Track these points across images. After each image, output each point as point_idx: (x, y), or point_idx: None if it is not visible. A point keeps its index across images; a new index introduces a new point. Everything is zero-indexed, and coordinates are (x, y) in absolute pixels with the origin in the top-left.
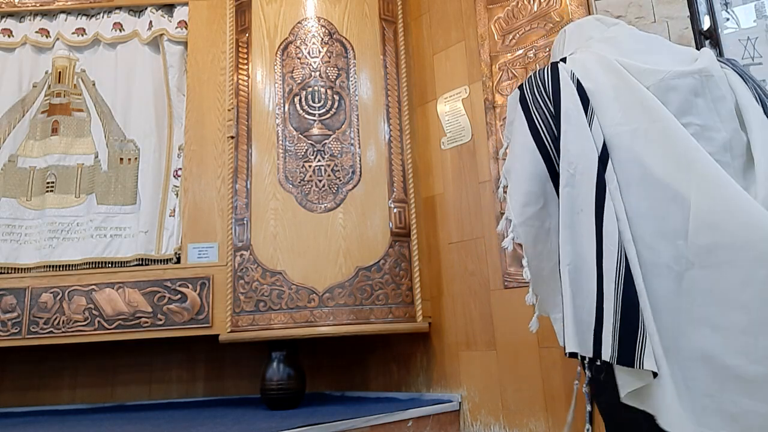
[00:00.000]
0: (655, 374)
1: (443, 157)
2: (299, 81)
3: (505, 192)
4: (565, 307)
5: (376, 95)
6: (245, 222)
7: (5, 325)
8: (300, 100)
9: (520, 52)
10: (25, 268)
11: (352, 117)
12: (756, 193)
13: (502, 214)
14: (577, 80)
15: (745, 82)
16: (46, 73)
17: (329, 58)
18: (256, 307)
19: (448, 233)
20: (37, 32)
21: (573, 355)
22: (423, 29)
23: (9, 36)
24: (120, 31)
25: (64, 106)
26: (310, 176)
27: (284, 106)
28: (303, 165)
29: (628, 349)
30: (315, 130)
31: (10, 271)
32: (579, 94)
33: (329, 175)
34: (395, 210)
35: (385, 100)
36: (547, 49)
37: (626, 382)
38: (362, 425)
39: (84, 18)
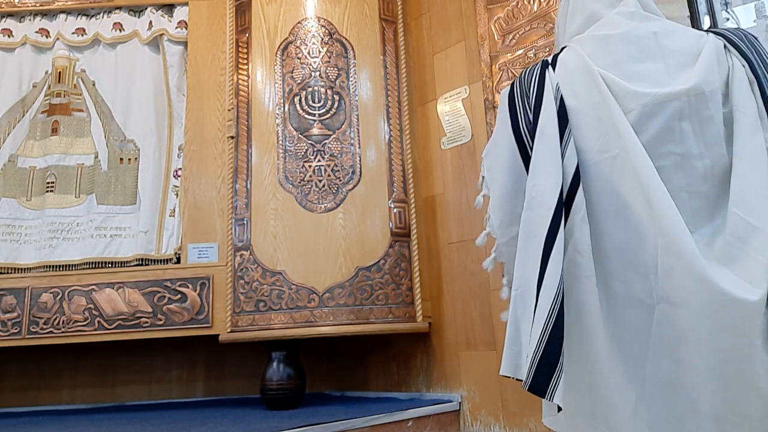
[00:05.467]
0: (560, 409)
1: (443, 157)
2: (299, 81)
3: (485, 200)
4: (507, 329)
5: (376, 95)
6: (245, 222)
7: (5, 325)
8: (300, 100)
9: (520, 52)
10: (25, 268)
11: (352, 117)
12: (716, 229)
13: None
14: (561, 97)
15: (752, 70)
16: (46, 73)
17: (329, 58)
18: (256, 307)
19: (448, 233)
20: (37, 32)
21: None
22: (423, 29)
23: (9, 36)
24: (120, 31)
25: (64, 106)
26: (310, 176)
27: (284, 106)
28: (303, 165)
29: (543, 381)
30: (315, 130)
31: (10, 271)
32: (559, 113)
33: (329, 175)
34: (395, 210)
35: (385, 100)
36: (548, 49)
37: (546, 410)
38: (362, 425)
39: (84, 18)
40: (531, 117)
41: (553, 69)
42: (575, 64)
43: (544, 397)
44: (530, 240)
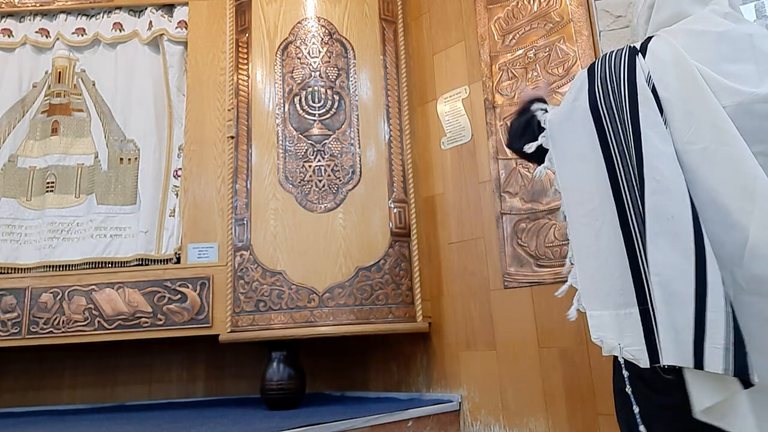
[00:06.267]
0: (747, 385)
1: (443, 157)
2: (299, 81)
3: (552, 172)
4: (659, 319)
5: (376, 95)
6: (245, 222)
7: (5, 325)
8: (300, 100)
9: (520, 52)
10: (25, 268)
11: (352, 117)
12: None
13: (503, 213)
14: (653, 86)
15: None
16: (46, 73)
17: (329, 58)
18: (256, 307)
19: (448, 233)
20: (37, 32)
21: (665, 366)
22: (423, 29)
23: (9, 36)
24: (120, 31)
25: (64, 106)
26: (310, 176)
27: (284, 106)
28: (303, 165)
29: (743, 362)
30: (315, 130)
31: (10, 271)
32: (655, 101)
33: (329, 175)
34: (395, 210)
35: (385, 100)
36: (548, 49)
37: (707, 396)
38: (362, 425)
39: (84, 18)
40: (614, 100)
41: (643, 56)
42: (670, 56)
43: (749, 379)
44: (666, 225)
